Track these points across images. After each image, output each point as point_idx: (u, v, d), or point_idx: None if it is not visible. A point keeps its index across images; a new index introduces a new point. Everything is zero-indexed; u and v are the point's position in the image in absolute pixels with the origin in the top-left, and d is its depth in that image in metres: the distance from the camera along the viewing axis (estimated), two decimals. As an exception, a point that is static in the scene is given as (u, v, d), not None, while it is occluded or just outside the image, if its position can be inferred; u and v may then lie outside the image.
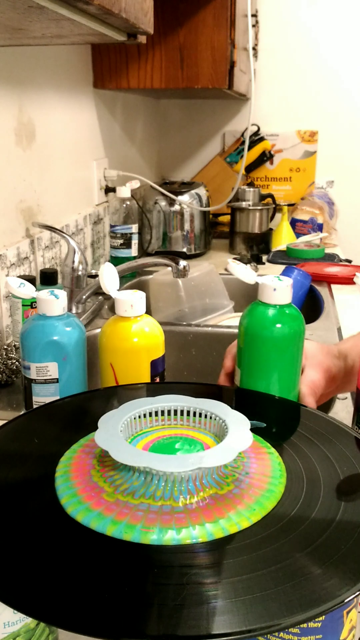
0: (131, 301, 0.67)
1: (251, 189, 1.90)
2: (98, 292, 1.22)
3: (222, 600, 0.36)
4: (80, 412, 0.62)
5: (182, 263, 1.03)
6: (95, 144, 1.57)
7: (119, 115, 1.76)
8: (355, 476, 0.49)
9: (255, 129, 2.19)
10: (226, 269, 1.27)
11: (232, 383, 0.70)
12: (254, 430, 0.51)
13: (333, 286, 1.46)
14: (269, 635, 0.42)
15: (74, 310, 1.15)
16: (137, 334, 0.67)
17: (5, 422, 0.57)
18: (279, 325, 0.64)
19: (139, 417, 0.53)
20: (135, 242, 1.53)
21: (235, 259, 1.69)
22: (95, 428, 0.49)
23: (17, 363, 0.93)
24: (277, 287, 0.64)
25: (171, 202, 1.73)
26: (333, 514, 0.44)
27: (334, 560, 0.39)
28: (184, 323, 1.19)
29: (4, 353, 0.96)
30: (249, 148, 2.17)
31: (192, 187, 1.79)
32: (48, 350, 0.68)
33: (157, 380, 0.69)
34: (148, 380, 0.68)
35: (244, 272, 0.67)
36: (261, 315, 0.65)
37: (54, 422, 0.59)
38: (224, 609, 0.36)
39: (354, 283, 1.44)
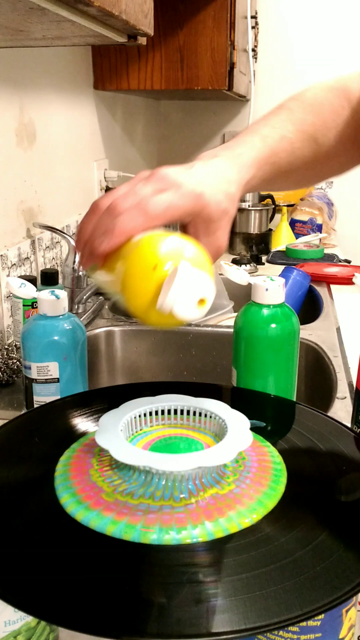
0: None
1: (251, 190, 1.90)
2: (98, 292, 1.22)
3: (222, 599, 0.36)
4: (81, 412, 0.62)
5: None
6: (95, 144, 1.57)
7: (119, 116, 1.76)
8: (354, 475, 0.49)
9: (255, 130, 2.19)
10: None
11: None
12: (253, 429, 0.51)
13: (332, 286, 1.46)
14: (268, 634, 0.42)
15: (74, 311, 1.15)
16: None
17: (5, 421, 0.57)
18: (273, 325, 0.65)
19: (139, 416, 0.53)
20: (135, 242, 1.53)
21: (234, 259, 1.69)
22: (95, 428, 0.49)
23: (18, 363, 0.93)
24: (269, 287, 0.65)
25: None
26: (332, 513, 0.44)
27: (333, 559, 0.39)
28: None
29: (5, 353, 0.96)
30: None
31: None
32: (49, 350, 0.68)
33: None
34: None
35: (237, 274, 0.68)
36: (255, 315, 0.66)
37: (54, 421, 0.59)
38: (223, 608, 0.36)
39: (353, 283, 1.45)
